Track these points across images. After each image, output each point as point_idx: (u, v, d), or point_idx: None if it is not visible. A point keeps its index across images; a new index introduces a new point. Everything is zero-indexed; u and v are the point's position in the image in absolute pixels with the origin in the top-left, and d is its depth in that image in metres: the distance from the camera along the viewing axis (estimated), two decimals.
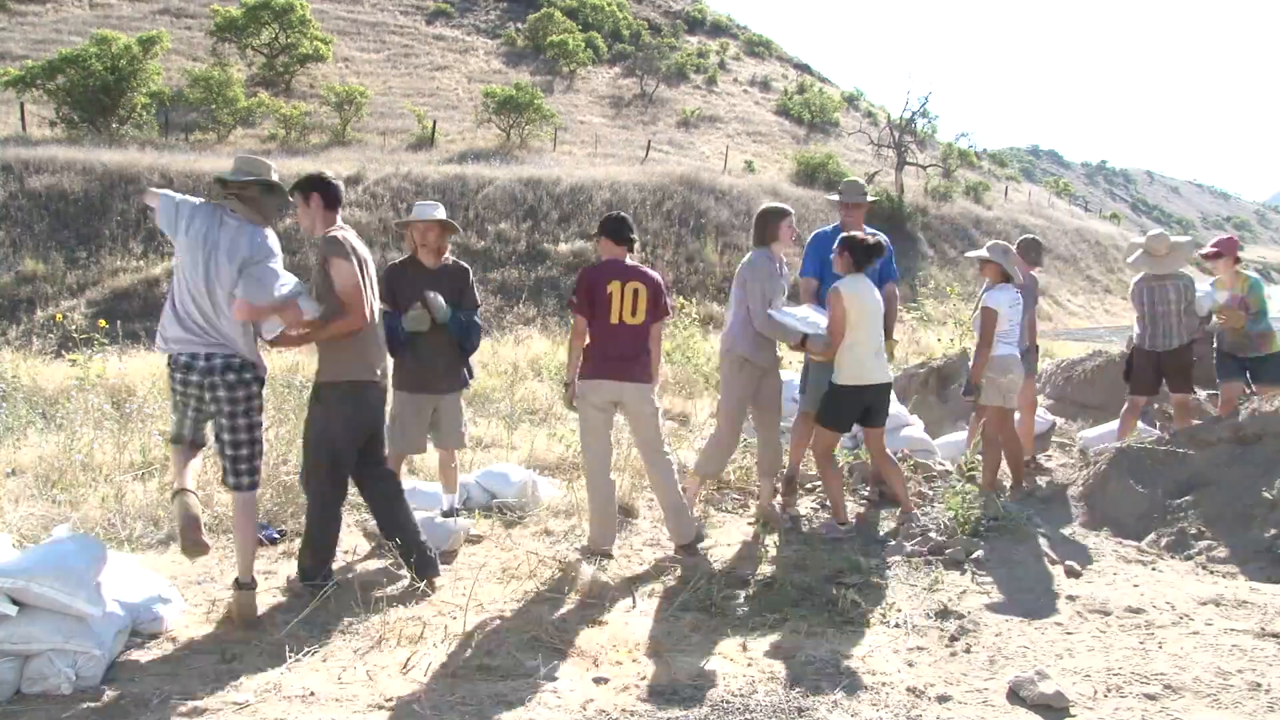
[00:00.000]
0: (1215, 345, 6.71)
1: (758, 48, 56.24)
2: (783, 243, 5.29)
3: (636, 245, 5.01)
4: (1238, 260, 6.61)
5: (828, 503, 5.87)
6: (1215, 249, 6.65)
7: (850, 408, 5.23)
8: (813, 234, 6.13)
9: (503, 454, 6.92)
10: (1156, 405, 7.64)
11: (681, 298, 14.71)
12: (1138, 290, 6.54)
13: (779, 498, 5.79)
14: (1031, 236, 7.10)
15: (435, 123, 29.92)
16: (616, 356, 4.73)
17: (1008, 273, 5.74)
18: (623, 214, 5.00)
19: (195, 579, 4.38)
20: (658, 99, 41.37)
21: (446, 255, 5.03)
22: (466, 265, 5.14)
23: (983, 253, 5.86)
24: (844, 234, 5.32)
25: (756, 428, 5.55)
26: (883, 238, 5.57)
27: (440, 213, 4.96)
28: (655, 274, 4.89)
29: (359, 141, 28.13)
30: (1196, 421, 6.50)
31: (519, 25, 44.25)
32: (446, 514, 5.12)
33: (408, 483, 5.62)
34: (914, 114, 38.16)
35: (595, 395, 4.77)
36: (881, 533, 5.37)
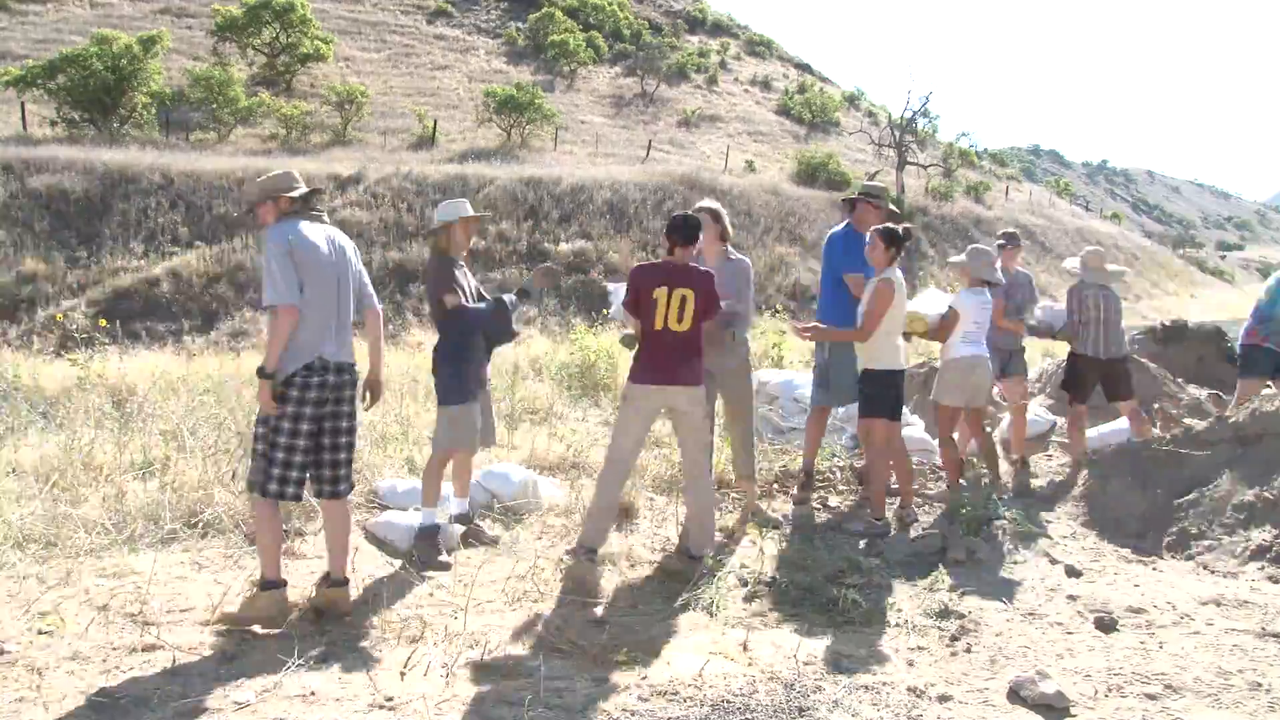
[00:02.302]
0: (1245, 341, 6.67)
1: (758, 47, 56.21)
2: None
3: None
4: None
5: (829, 502, 5.88)
6: None
7: (895, 391, 5.38)
8: (828, 235, 6.05)
9: (503, 454, 6.92)
10: (1157, 405, 7.64)
11: None
12: (1092, 297, 6.41)
13: (794, 492, 5.79)
14: (1007, 230, 7.07)
15: (436, 122, 29.93)
16: (662, 363, 4.58)
17: (983, 276, 5.76)
18: (690, 213, 4.82)
19: (199, 580, 4.38)
20: (658, 98, 41.37)
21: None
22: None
23: (961, 258, 5.92)
24: (881, 226, 5.38)
25: (728, 430, 5.51)
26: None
27: (470, 209, 5.04)
28: (708, 272, 4.68)
29: (360, 141, 28.14)
30: (1195, 422, 6.49)
31: (520, 25, 44.25)
32: (458, 519, 5.07)
33: (407, 483, 5.63)
34: (915, 114, 38.20)
35: (642, 401, 4.64)
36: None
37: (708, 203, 5.36)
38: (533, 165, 26.45)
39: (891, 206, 6.04)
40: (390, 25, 40.69)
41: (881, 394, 5.34)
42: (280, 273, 3.76)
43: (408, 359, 10.23)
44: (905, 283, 5.44)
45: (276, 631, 3.78)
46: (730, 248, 5.37)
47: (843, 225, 5.98)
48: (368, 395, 4.29)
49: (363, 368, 4.18)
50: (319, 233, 3.95)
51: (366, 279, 4.19)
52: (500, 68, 39.61)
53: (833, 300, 5.79)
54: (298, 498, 3.94)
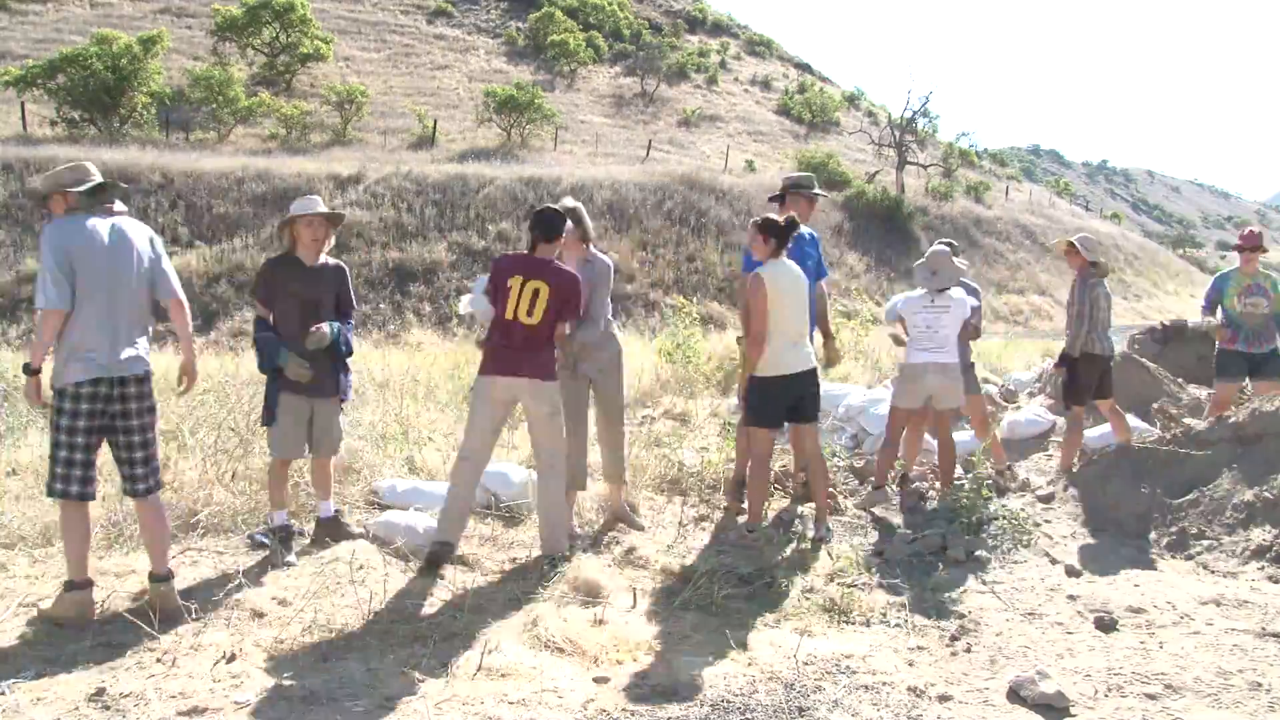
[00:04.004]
0: (1219, 345, 6.72)
1: (758, 47, 56.21)
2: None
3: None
4: (1264, 250, 6.70)
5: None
6: (1250, 243, 6.67)
7: (773, 401, 5.05)
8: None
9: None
10: (1156, 405, 7.63)
11: (681, 297, 14.71)
12: (1104, 294, 6.29)
13: (729, 501, 5.72)
14: (946, 240, 6.40)
15: (436, 122, 29.94)
16: (506, 354, 4.58)
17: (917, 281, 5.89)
18: (553, 207, 4.76)
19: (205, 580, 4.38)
20: (658, 98, 41.37)
21: (325, 255, 4.85)
22: (344, 265, 4.97)
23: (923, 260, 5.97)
24: (759, 217, 5.10)
25: (598, 431, 5.30)
26: (808, 230, 5.65)
27: (323, 206, 4.80)
28: (569, 271, 4.66)
29: (360, 141, 28.14)
30: (1195, 422, 6.49)
31: (520, 24, 44.26)
32: (326, 520, 4.87)
33: (407, 483, 5.64)
34: (915, 113, 38.19)
35: (487, 390, 4.63)
36: (873, 537, 5.36)
37: (567, 202, 5.14)
38: (533, 165, 26.44)
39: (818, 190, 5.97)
40: (390, 25, 40.69)
41: (753, 400, 5.09)
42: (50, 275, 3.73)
43: (407, 358, 10.23)
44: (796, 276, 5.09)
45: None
46: (592, 248, 5.18)
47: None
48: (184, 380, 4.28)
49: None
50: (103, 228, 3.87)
51: (167, 270, 4.07)
52: (500, 67, 39.61)
53: None
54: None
